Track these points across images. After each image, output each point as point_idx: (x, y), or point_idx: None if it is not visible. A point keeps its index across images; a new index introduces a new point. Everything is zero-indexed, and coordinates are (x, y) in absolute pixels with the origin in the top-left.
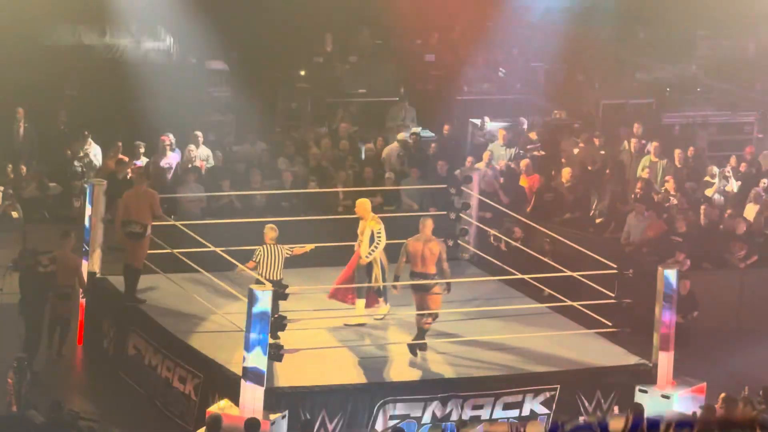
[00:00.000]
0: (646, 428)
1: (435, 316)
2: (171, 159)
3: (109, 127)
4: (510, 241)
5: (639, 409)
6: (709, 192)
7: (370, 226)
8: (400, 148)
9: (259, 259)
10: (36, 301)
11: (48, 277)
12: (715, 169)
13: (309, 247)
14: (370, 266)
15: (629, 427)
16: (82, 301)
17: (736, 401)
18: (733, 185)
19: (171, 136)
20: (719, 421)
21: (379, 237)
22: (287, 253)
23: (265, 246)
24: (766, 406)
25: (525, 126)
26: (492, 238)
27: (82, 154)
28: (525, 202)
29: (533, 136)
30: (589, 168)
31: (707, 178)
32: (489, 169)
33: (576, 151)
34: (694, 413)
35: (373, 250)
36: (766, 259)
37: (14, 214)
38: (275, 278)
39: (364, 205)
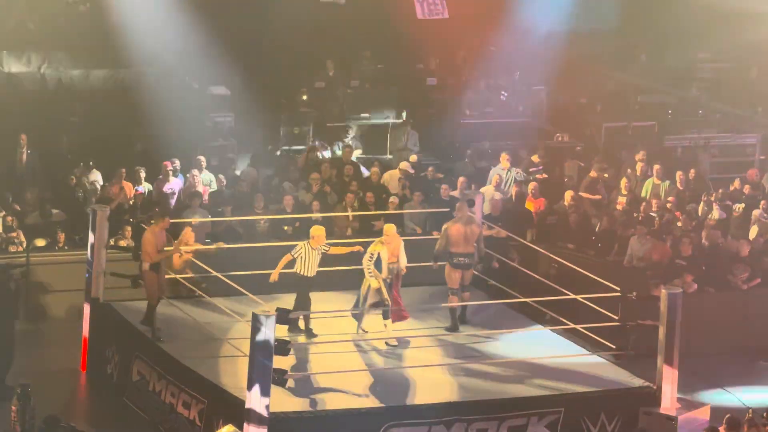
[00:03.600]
0: None
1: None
2: (174, 184)
3: (112, 153)
4: (516, 264)
5: None
6: (713, 215)
7: (378, 248)
8: (401, 174)
9: (299, 255)
10: (3, 317)
11: (17, 293)
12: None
13: (348, 249)
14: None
15: None
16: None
17: (740, 423)
18: (723, 211)
19: (177, 161)
20: None
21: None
22: (324, 249)
23: (307, 245)
24: None
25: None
26: (495, 262)
27: (84, 180)
28: (531, 226)
29: (535, 159)
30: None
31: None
32: (497, 193)
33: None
34: None
35: (369, 270)
36: None
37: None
38: (310, 275)
39: (389, 232)
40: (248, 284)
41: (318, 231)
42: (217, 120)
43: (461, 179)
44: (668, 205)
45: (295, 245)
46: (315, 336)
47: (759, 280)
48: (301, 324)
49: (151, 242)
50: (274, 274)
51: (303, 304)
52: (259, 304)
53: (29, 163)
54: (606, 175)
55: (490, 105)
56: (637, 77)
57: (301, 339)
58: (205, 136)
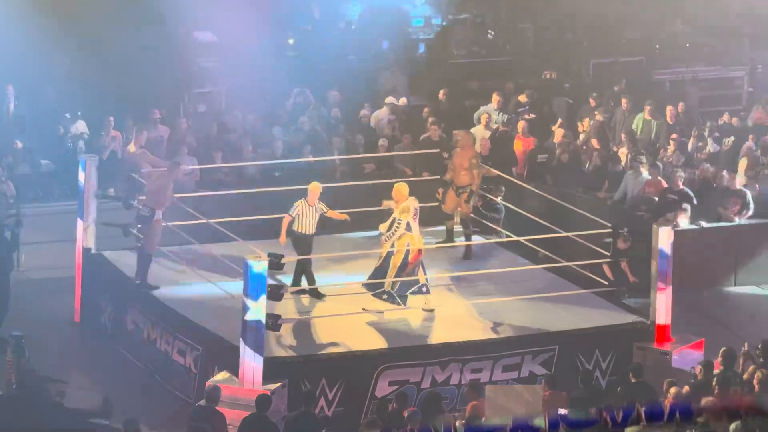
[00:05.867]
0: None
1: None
2: (162, 131)
3: (99, 102)
4: (507, 204)
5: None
6: (708, 148)
7: (396, 212)
8: (389, 113)
9: (296, 214)
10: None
11: (12, 244)
12: (706, 129)
13: (344, 216)
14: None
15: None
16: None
17: (736, 356)
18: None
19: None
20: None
21: (398, 226)
22: (323, 209)
23: (304, 202)
24: (765, 360)
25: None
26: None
27: (73, 131)
28: (517, 165)
29: (523, 98)
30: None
31: (705, 134)
32: (487, 131)
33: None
34: (693, 369)
35: (387, 237)
36: (761, 214)
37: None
38: (309, 232)
39: (398, 189)
40: (239, 230)
41: (312, 186)
42: (204, 65)
43: None
44: (671, 147)
45: (294, 206)
46: (323, 297)
47: (750, 212)
48: (305, 284)
49: (170, 188)
50: (282, 238)
51: (304, 264)
52: (251, 249)
53: (17, 113)
54: (596, 113)
55: (476, 44)
56: (624, 12)
57: (305, 300)
58: (192, 82)
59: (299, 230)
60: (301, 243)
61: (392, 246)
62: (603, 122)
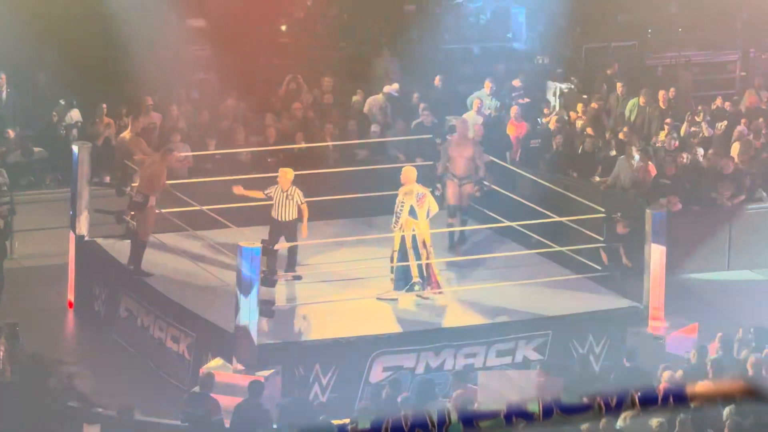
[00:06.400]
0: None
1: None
2: (155, 118)
3: (92, 88)
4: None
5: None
6: (703, 133)
7: (400, 194)
8: (384, 100)
9: (270, 196)
10: None
11: (5, 232)
12: (699, 114)
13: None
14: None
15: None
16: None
17: (732, 341)
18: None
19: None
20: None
21: (401, 208)
22: (298, 201)
23: (277, 187)
24: (758, 345)
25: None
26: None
27: (66, 118)
28: (511, 150)
29: (516, 83)
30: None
31: (698, 119)
32: (479, 117)
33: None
34: (687, 353)
35: (395, 221)
36: (753, 198)
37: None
38: (288, 219)
39: (405, 172)
40: (232, 217)
41: (282, 172)
42: (196, 53)
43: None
44: (665, 131)
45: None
46: (299, 278)
47: (743, 197)
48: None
49: (163, 175)
50: (239, 189)
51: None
52: (245, 236)
53: (9, 101)
54: (585, 96)
55: (468, 29)
56: None
57: (299, 286)
58: (184, 69)
59: (273, 215)
60: (273, 227)
61: (402, 231)
62: (598, 109)
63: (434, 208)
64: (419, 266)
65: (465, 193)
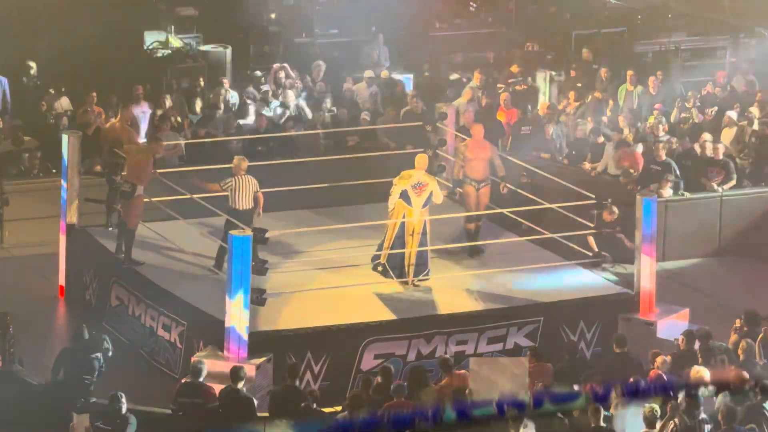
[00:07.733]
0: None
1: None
2: (145, 107)
3: (81, 77)
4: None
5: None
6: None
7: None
8: (373, 85)
9: (229, 187)
10: None
11: None
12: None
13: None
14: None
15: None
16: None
17: (759, 320)
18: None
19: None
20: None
21: (392, 192)
22: (254, 189)
23: (236, 178)
24: (749, 330)
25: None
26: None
27: (57, 107)
28: (504, 137)
29: (514, 69)
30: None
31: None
32: (470, 106)
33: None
34: (676, 340)
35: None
36: (743, 184)
37: None
38: (246, 207)
39: (417, 159)
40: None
41: (236, 160)
42: (186, 41)
43: None
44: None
45: (226, 180)
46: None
47: (733, 182)
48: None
49: (150, 164)
50: (196, 180)
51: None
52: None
53: None
54: (579, 84)
55: (458, 16)
56: None
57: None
58: (174, 58)
59: (232, 205)
60: (234, 217)
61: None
62: (601, 100)
63: (437, 199)
64: (392, 255)
65: (483, 199)
